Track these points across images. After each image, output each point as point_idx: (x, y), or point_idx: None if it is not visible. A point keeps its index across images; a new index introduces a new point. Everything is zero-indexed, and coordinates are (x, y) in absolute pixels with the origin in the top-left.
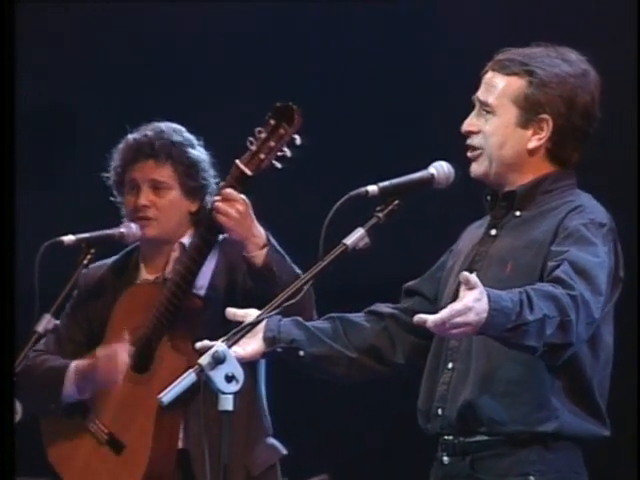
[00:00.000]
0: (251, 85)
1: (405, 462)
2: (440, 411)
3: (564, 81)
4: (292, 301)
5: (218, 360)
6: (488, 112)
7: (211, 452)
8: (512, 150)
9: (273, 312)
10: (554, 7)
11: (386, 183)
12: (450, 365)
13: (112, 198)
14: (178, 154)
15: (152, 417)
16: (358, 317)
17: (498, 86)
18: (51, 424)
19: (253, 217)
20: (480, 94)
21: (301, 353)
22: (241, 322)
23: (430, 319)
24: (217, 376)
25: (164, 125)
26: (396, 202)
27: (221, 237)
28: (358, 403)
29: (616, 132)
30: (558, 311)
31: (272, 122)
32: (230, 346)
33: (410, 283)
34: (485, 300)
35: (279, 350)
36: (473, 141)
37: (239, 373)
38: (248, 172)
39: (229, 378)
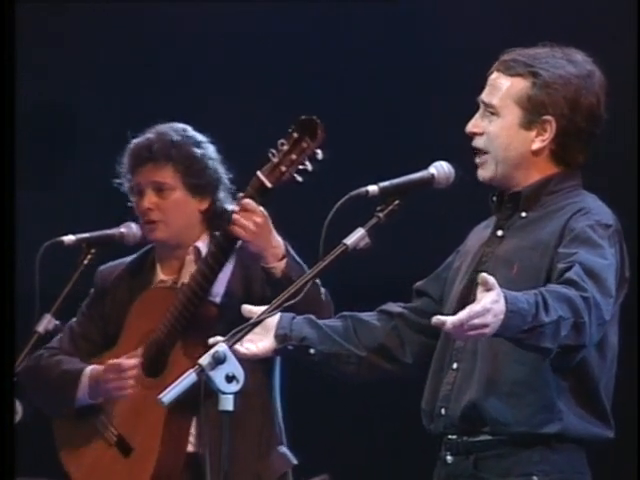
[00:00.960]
0: (251, 85)
1: (406, 462)
2: (443, 411)
3: (568, 82)
4: (293, 301)
5: (218, 360)
6: (492, 113)
7: (222, 456)
8: (516, 151)
9: (273, 312)
10: (554, 7)
11: (386, 183)
12: (455, 365)
13: (129, 203)
14: (178, 154)
15: (161, 421)
16: (369, 316)
17: (502, 87)
18: (63, 424)
19: (272, 228)
20: (484, 95)
21: (311, 351)
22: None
23: (449, 321)
24: (217, 376)
25: (166, 126)
26: (396, 202)
27: (239, 243)
28: (358, 403)
29: (616, 132)
30: (572, 313)
31: (295, 135)
32: (231, 346)
33: (419, 283)
34: (502, 302)
35: (290, 348)
36: (477, 143)
37: (240, 373)
38: (268, 184)
39: (229, 378)
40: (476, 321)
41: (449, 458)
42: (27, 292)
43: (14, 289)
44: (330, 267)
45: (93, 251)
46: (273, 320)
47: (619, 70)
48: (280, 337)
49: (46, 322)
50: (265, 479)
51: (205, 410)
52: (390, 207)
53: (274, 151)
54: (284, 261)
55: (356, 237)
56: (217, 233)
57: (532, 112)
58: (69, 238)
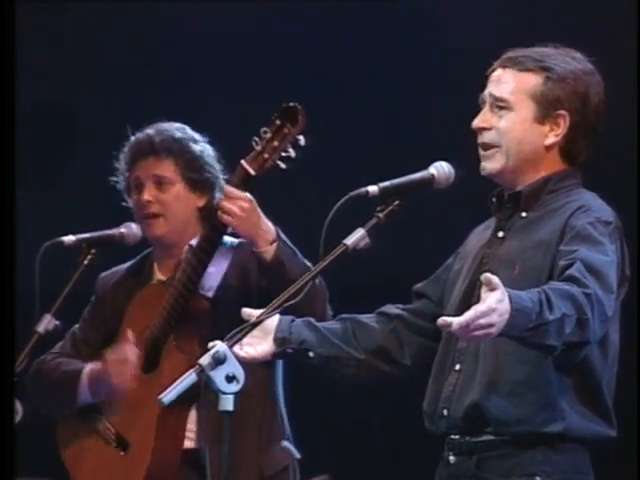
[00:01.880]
0: (251, 85)
1: (407, 462)
2: (445, 412)
3: (578, 78)
4: (293, 301)
5: (218, 360)
6: (503, 108)
7: (222, 453)
8: (531, 146)
9: (273, 312)
10: (554, 7)
11: (386, 183)
12: (457, 367)
13: (124, 203)
14: (179, 148)
15: (156, 416)
16: (368, 318)
17: (512, 82)
18: (66, 425)
19: (260, 213)
20: (493, 90)
21: (311, 354)
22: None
23: (455, 322)
24: (217, 376)
25: (166, 124)
26: (396, 202)
27: (237, 241)
28: (359, 403)
29: (616, 132)
30: (575, 310)
31: (277, 122)
32: (231, 346)
33: (418, 285)
34: (507, 301)
35: (289, 351)
36: (485, 138)
37: (240, 373)
38: (252, 172)
39: (230, 378)
40: (482, 321)
41: (452, 458)
42: (27, 292)
43: (14, 289)
44: (330, 267)
45: (93, 251)
46: (272, 323)
47: (619, 70)
48: (279, 340)
49: (46, 322)
50: (266, 472)
51: (205, 406)
52: (390, 207)
53: (257, 139)
54: (275, 245)
55: (356, 237)
56: (204, 226)
57: (547, 107)
58: (69, 238)
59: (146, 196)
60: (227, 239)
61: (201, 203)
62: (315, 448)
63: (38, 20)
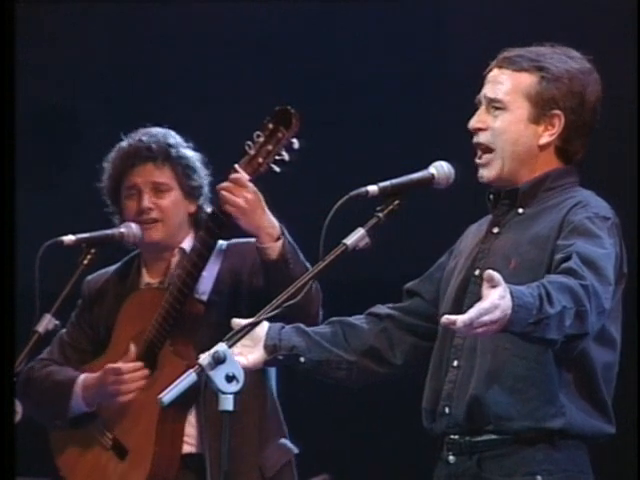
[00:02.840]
0: (251, 85)
1: (407, 462)
2: (447, 409)
3: (574, 77)
4: (292, 301)
5: (218, 360)
6: (498, 108)
7: (222, 455)
8: (524, 146)
9: (273, 312)
10: (554, 7)
11: (386, 183)
12: (455, 363)
13: (106, 209)
14: (175, 155)
15: (154, 421)
16: (358, 319)
17: (507, 82)
18: (59, 431)
19: (265, 207)
20: (488, 91)
21: (302, 359)
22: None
23: (459, 320)
24: (217, 376)
25: (154, 129)
26: (396, 202)
27: (225, 244)
28: (359, 403)
29: (616, 131)
30: (574, 302)
31: (270, 126)
32: (231, 346)
33: (410, 284)
34: (509, 297)
35: (280, 358)
36: (480, 138)
37: (239, 373)
38: (245, 176)
39: (229, 378)
40: (485, 318)
41: (451, 458)
42: (27, 292)
43: (14, 289)
44: (330, 267)
45: (93, 251)
46: (261, 331)
47: (619, 70)
48: (269, 348)
49: (46, 322)
50: (266, 471)
51: (205, 409)
52: (390, 207)
53: (250, 143)
54: (280, 242)
55: (356, 237)
56: (200, 231)
57: (542, 106)
58: (69, 238)
59: (146, 203)
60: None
61: (192, 209)
62: (315, 447)
63: (38, 20)
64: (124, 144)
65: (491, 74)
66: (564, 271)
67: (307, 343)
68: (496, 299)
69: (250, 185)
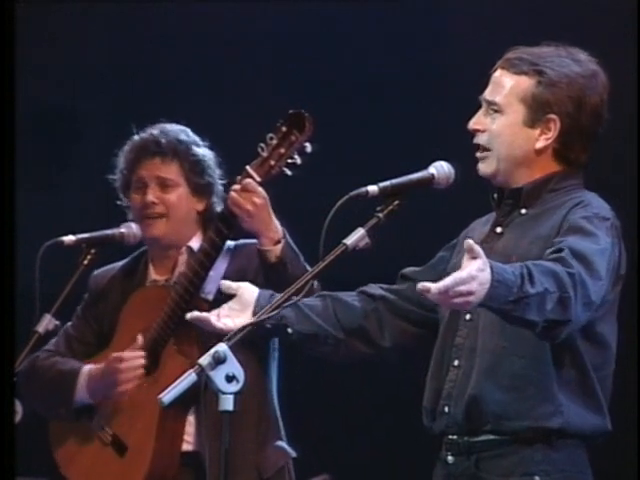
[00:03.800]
0: (251, 85)
1: (407, 462)
2: (447, 409)
3: (573, 81)
4: (293, 301)
5: (219, 360)
6: (495, 111)
7: (221, 454)
8: (520, 149)
9: (274, 312)
10: (554, 7)
11: (386, 183)
12: (456, 362)
13: (118, 202)
14: (184, 151)
15: (155, 419)
16: (350, 296)
17: (506, 85)
18: (58, 425)
19: (271, 211)
20: (487, 93)
21: (289, 330)
22: (234, 295)
23: (433, 287)
24: (217, 376)
25: (169, 125)
26: (396, 202)
27: (233, 244)
28: (359, 403)
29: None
30: (558, 287)
31: (283, 129)
32: (230, 346)
33: (407, 270)
34: (488, 271)
35: (268, 326)
36: (479, 139)
37: (239, 373)
38: (257, 178)
39: (229, 378)
40: (462, 288)
41: (450, 458)
42: (27, 292)
43: (14, 289)
44: (330, 267)
45: (93, 251)
46: (251, 296)
47: (619, 70)
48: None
49: (46, 322)
50: (264, 472)
51: (205, 409)
52: (390, 207)
53: (263, 145)
54: (280, 245)
55: (356, 237)
56: (209, 230)
57: (536, 110)
58: (69, 238)
59: (150, 197)
60: None
61: (200, 207)
62: (315, 447)
63: (38, 20)
64: (136, 138)
65: (495, 75)
66: (553, 259)
67: (297, 315)
68: (474, 270)
69: (260, 190)
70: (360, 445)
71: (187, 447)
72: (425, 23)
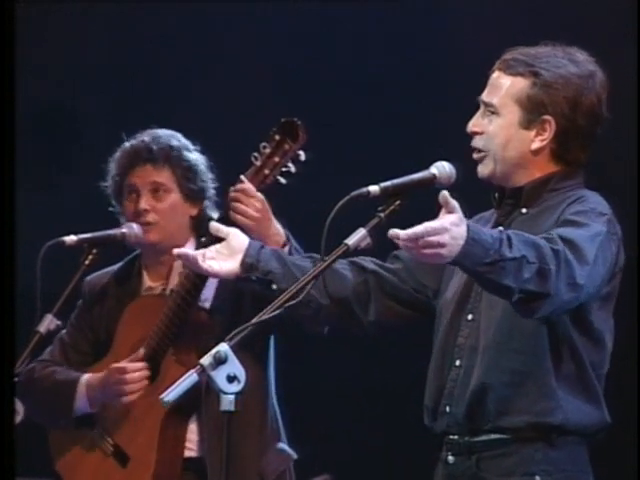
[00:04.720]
0: (251, 85)
1: (408, 462)
2: (448, 408)
3: (569, 82)
4: (294, 301)
5: (220, 360)
6: (492, 112)
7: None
8: (515, 151)
9: (275, 312)
10: (554, 7)
11: (387, 183)
12: (458, 362)
13: (111, 208)
14: (176, 157)
15: (156, 429)
16: (341, 264)
17: (503, 86)
18: (59, 434)
19: (271, 215)
20: (485, 95)
21: (274, 287)
22: (222, 239)
23: (402, 233)
24: (219, 376)
25: (160, 131)
26: (397, 202)
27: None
28: (360, 403)
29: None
30: (538, 258)
31: (277, 137)
32: (231, 346)
33: (400, 250)
34: (464, 228)
35: (253, 278)
36: (477, 142)
37: (241, 373)
38: (252, 187)
39: (231, 378)
40: (432, 238)
41: (451, 458)
42: (28, 292)
43: (15, 289)
44: (331, 267)
45: (95, 251)
46: (240, 244)
47: (619, 70)
48: (246, 265)
49: (47, 322)
50: (266, 476)
51: (207, 414)
52: (391, 207)
53: (257, 154)
54: (286, 248)
55: (357, 237)
56: (203, 238)
57: (532, 112)
58: (70, 238)
59: (143, 204)
60: None
61: (193, 212)
62: (316, 447)
63: (38, 20)
64: (127, 144)
65: (492, 76)
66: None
67: (284, 272)
68: (447, 223)
69: (258, 194)
70: (360, 445)
71: (189, 453)
72: (425, 23)
